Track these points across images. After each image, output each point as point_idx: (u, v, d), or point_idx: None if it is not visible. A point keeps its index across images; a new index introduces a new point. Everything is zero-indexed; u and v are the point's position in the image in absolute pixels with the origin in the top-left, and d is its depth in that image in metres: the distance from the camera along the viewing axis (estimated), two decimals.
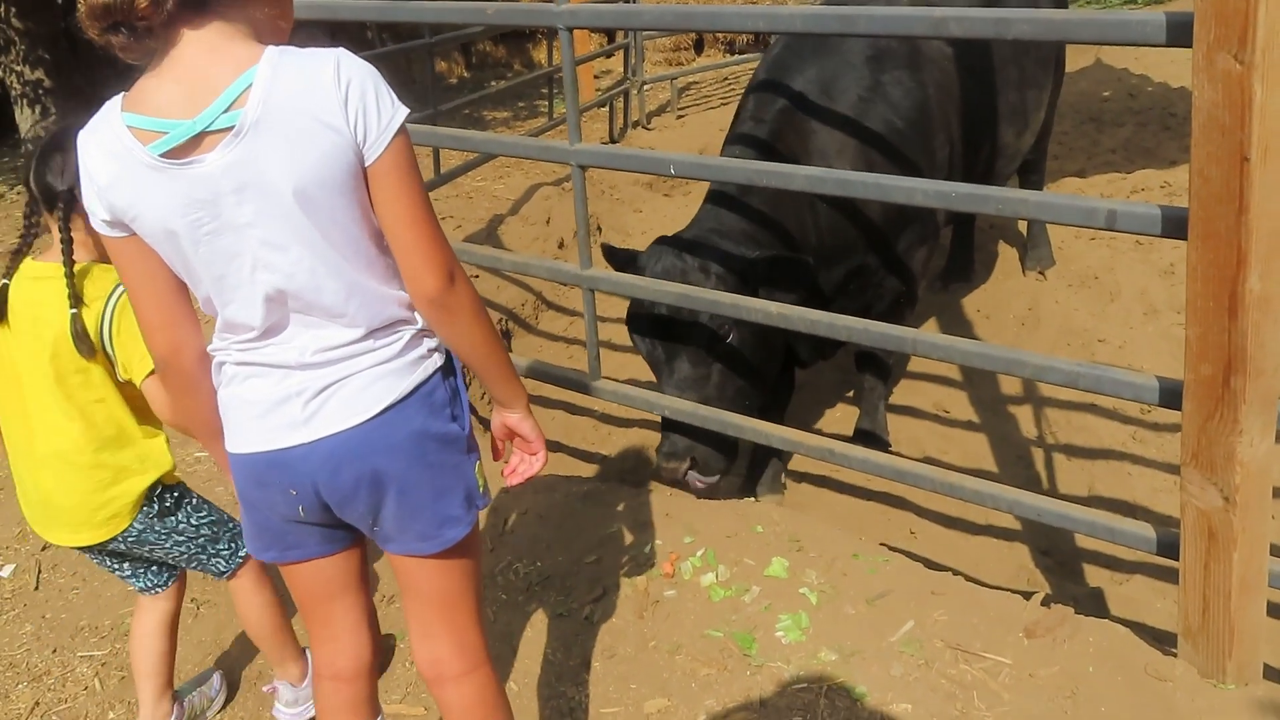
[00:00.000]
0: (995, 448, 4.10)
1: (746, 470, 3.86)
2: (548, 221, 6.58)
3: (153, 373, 1.88)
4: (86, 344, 1.86)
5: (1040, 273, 5.17)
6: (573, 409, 4.67)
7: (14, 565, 2.92)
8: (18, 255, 1.95)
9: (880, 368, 3.94)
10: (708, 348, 3.03)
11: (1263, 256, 1.79)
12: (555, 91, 8.68)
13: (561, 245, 6.43)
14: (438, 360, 1.58)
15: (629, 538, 2.87)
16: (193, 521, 2.13)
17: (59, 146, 1.85)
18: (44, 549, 2.98)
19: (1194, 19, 1.71)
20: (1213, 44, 1.69)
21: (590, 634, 2.53)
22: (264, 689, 2.43)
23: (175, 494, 2.11)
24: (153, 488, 2.04)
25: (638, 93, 8.61)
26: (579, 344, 5.38)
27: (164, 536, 2.08)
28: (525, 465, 1.78)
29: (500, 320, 5.30)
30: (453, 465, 1.59)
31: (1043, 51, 4.17)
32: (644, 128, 8.73)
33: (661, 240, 3.05)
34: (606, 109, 8.43)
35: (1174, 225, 1.96)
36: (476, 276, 5.08)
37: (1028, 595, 3.31)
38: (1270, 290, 1.81)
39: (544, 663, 2.46)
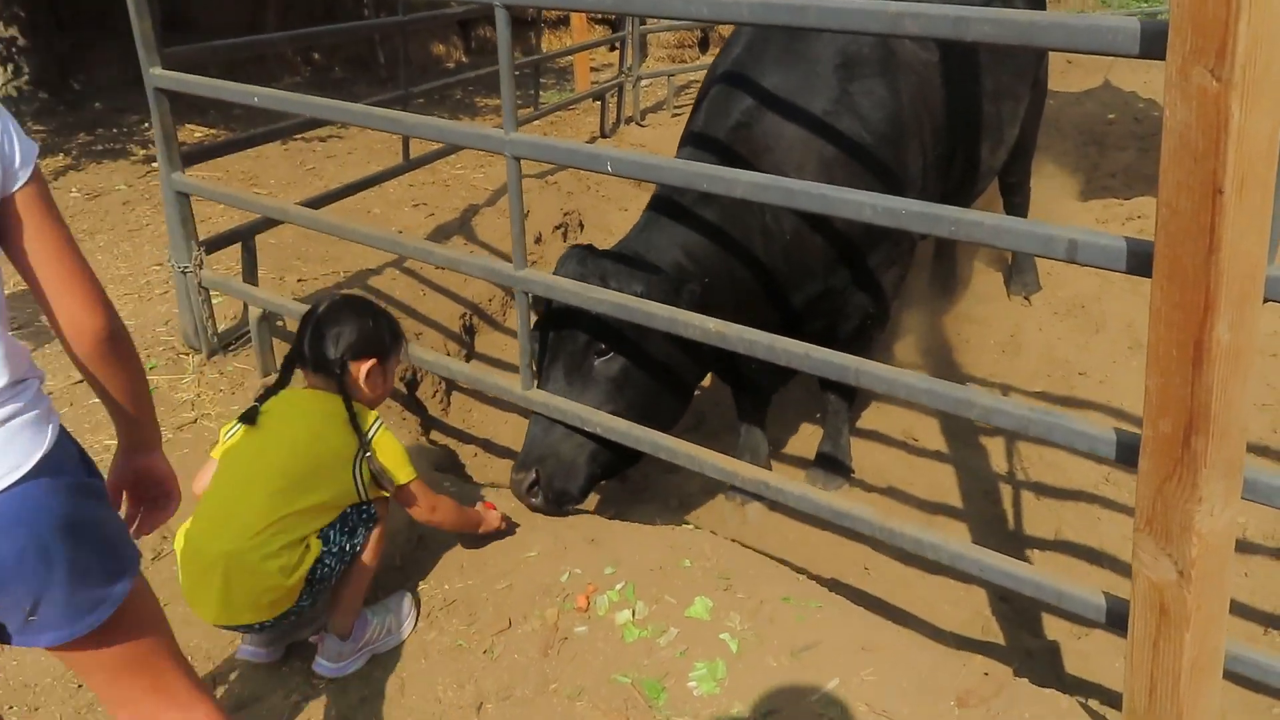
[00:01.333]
0: (963, 481, 3.88)
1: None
2: (526, 215, 6.34)
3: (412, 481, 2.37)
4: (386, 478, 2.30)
5: (1025, 298, 4.95)
6: (507, 407, 4.45)
7: None
8: (270, 391, 2.33)
9: (845, 389, 3.72)
10: (591, 362, 2.88)
11: (1234, 303, 1.57)
12: (544, 81, 8.45)
13: (539, 240, 6.21)
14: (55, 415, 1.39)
15: (547, 563, 2.65)
16: (343, 540, 2.30)
17: (334, 321, 2.31)
18: None
19: (1168, 27, 1.49)
20: (1188, 56, 1.46)
21: (488, 671, 2.31)
22: (310, 638, 2.38)
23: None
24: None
25: (633, 88, 8.38)
26: None
27: (338, 559, 2.29)
28: (160, 509, 1.67)
29: (465, 315, 5.08)
30: (109, 518, 1.43)
31: (1019, 62, 3.92)
32: (637, 124, 8.50)
33: (577, 247, 2.86)
34: (600, 103, 8.19)
35: (1139, 261, 1.74)
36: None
37: (982, 645, 3.14)
38: (1240, 342, 1.59)
39: (432, 701, 2.24)
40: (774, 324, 3.15)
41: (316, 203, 4.59)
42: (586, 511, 3.10)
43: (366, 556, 2.36)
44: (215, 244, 3.82)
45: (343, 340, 2.30)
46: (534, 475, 2.78)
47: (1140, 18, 1.65)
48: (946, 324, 4.96)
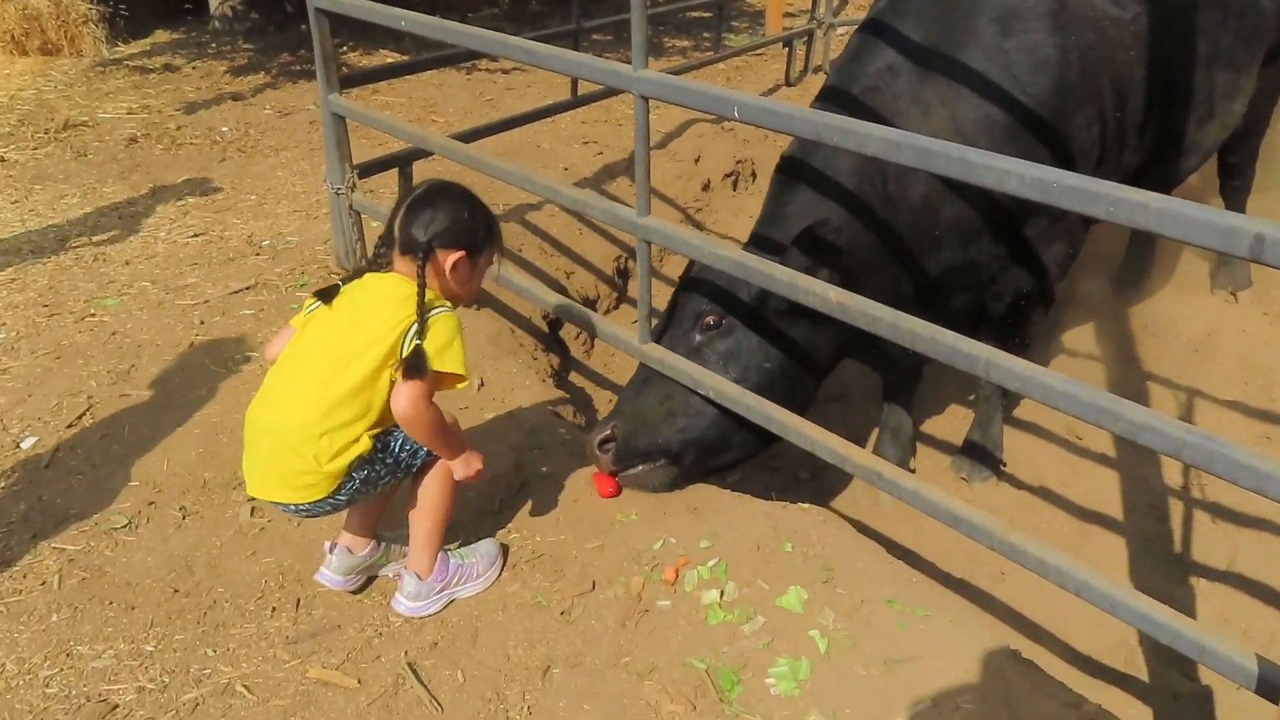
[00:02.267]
0: (1127, 490, 3.48)
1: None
2: (696, 160, 6.18)
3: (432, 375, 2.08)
4: (420, 369, 2.05)
5: (1231, 293, 4.36)
6: None
7: (36, 439, 2.90)
8: (358, 273, 2.22)
9: None
10: (699, 333, 2.69)
11: None
12: (735, 24, 8.16)
13: (706, 187, 6.03)
14: None
15: (643, 528, 2.54)
16: (385, 466, 2.21)
17: (429, 203, 2.16)
18: (69, 426, 2.96)
19: None
20: None
21: (562, 634, 2.23)
22: (390, 574, 2.40)
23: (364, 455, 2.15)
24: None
25: (824, 35, 7.96)
26: None
27: (365, 485, 2.18)
28: None
29: (619, 258, 4.98)
30: None
31: (1247, 25, 3.35)
32: (825, 73, 8.09)
33: None
34: (788, 49, 7.83)
35: None
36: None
37: (1121, 678, 2.80)
38: None
39: (501, 657, 2.18)
40: (906, 297, 2.88)
41: (481, 133, 4.59)
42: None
43: (435, 490, 2.28)
44: (372, 168, 3.87)
45: (434, 225, 2.15)
46: (608, 432, 2.63)
47: None
48: (1134, 314, 4.45)
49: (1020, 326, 3.13)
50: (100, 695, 2.07)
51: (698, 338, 2.68)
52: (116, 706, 2.05)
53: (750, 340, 2.64)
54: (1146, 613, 1.81)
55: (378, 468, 2.17)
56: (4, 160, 5.31)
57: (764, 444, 2.74)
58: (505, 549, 2.48)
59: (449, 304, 2.20)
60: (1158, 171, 3.29)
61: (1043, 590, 3.15)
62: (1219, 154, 4.37)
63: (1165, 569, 3.16)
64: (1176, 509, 3.35)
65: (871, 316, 2.09)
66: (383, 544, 2.41)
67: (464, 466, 2.27)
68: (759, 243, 2.74)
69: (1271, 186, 4.59)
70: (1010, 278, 2.95)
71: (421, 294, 2.11)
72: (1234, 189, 4.43)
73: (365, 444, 2.11)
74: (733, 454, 2.72)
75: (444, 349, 2.11)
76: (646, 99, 2.37)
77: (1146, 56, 2.98)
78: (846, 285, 2.29)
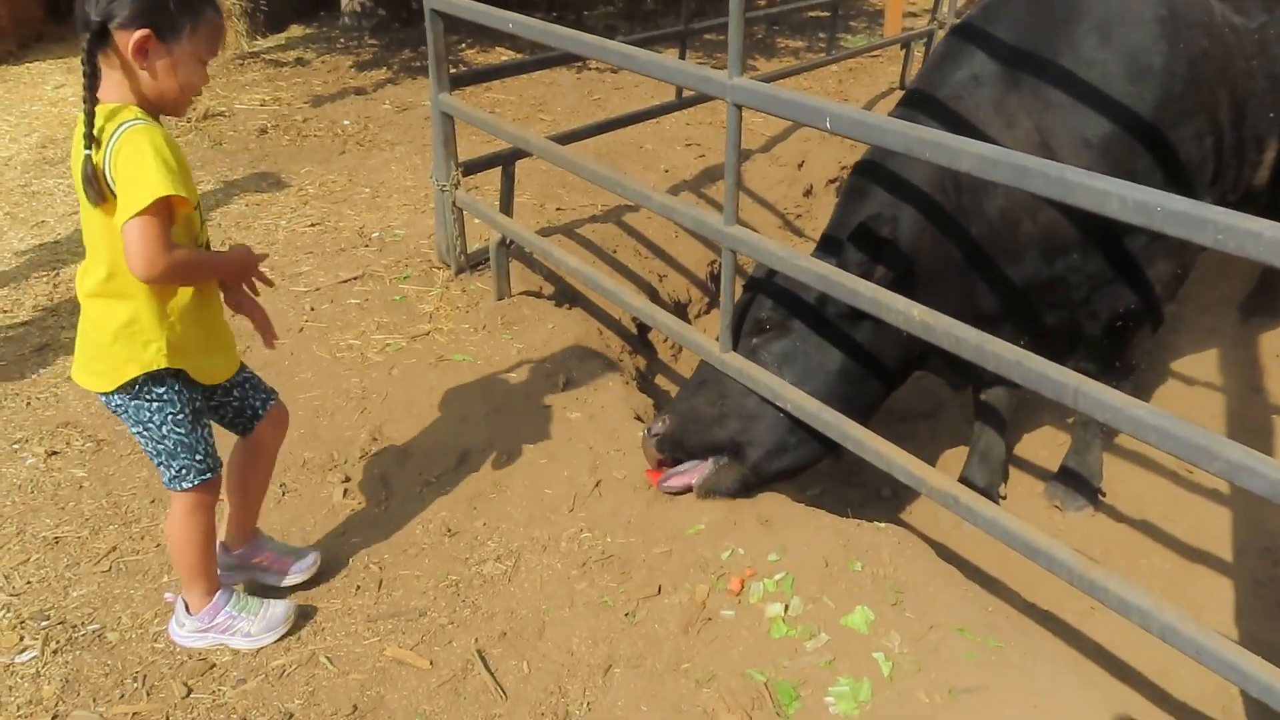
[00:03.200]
0: (1238, 529, 3.29)
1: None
2: (800, 165, 6.12)
3: (143, 214, 1.70)
4: (95, 188, 1.74)
5: None
6: None
7: None
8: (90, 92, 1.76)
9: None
10: (754, 338, 2.66)
11: None
12: (854, 24, 8.02)
13: (808, 193, 5.96)
14: None
15: (712, 536, 2.54)
16: (162, 429, 2.00)
17: None
18: None
19: None
20: None
21: (625, 634, 2.26)
22: (166, 596, 2.38)
23: (160, 389, 1.96)
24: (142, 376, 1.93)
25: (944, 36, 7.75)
26: None
27: (135, 422, 1.99)
28: None
29: (713, 263, 4.98)
30: None
31: None
32: None
33: None
34: (905, 51, 7.66)
35: None
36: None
37: None
38: None
39: (565, 652, 2.22)
40: (986, 311, 2.78)
41: (582, 134, 4.65)
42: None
43: (173, 534, 2.11)
44: (478, 165, 3.96)
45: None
46: (661, 423, 2.65)
47: None
48: (1263, 343, 4.19)
49: (1121, 350, 2.99)
50: (199, 654, 2.22)
51: (756, 340, 2.66)
52: (214, 666, 2.19)
53: (801, 349, 2.61)
54: (1236, 662, 1.71)
55: (149, 416, 1.97)
56: None
57: (827, 450, 2.70)
58: (303, 612, 2.35)
59: (144, 115, 1.79)
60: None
61: (1135, 628, 3.02)
62: None
63: (1275, 617, 2.98)
64: None
65: (956, 337, 2.03)
66: (265, 546, 2.40)
67: (239, 271, 2.04)
68: (824, 245, 2.71)
69: None
70: (1106, 296, 2.82)
71: (90, 91, 1.72)
72: None
73: (125, 314, 1.86)
74: (792, 457, 2.68)
75: (136, 177, 1.70)
76: (739, 107, 2.36)
77: (1270, 67, 2.81)
78: (909, 292, 2.24)
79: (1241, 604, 3.04)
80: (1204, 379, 4.08)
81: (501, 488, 2.79)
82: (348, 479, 2.84)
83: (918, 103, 2.75)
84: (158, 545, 2.56)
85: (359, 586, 2.45)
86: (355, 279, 3.98)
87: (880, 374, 2.70)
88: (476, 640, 2.26)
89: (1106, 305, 2.84)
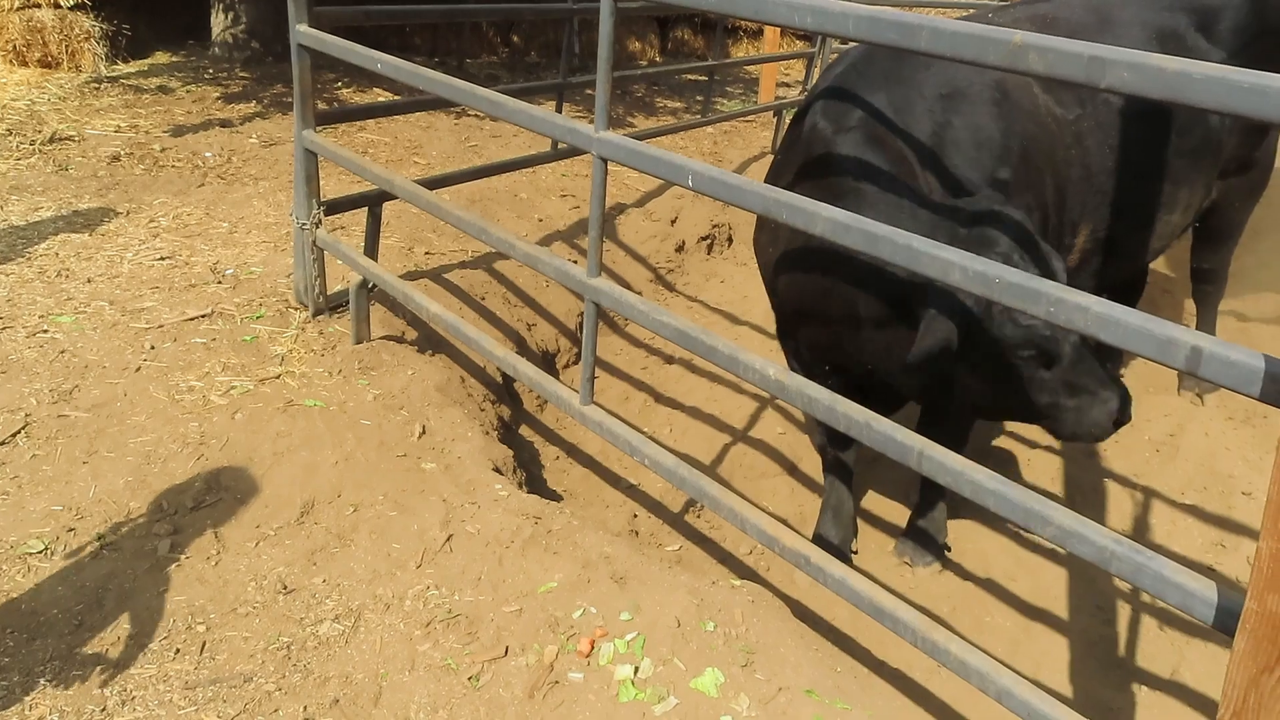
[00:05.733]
0: (1074, 588, 3.43)
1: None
2: (673, 221, 6.20)
3: None
4: None
5: (1198, 395, 4.36)
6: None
7: None
8: None
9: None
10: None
11: None
12: (730, 90, 8.25)
13: (680, 249, 6.04)
14: None
15: (565, 594, 2.46)
16: None
17: None
18: (2, 443, 2.88)
19: None
20: None
21: (466, 700, 2.15)
22: None
23: None
24: None
25: None
26: (652, 352, 4.98)
27: None
28: None
29: (580, 313, 4.95)
30: None
31: (1190, 140, 3.35)
32: None
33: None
34: (777, 118, 7.92)
35: (1278, 388, 1.38)
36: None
37: None
38: None
39: (402, 718, 2.10)
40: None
41: (455, 179, 4.58)
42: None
43: None
44: (342, 205, 3.84)
45: None
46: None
47: None
48: None
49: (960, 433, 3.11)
50: None
51: None
52: None
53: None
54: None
55: None
56: None
57: None
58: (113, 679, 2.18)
59: None
60: (1096, 273, 3.29)
61: (1022, 627, 3.09)
62: (1191, 259, 4.40)
63: (1106, 674, 3.10)
64: (1123, 612, 3.29)
65: (808, 397, 2.05)
66: None
67: None
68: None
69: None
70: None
71: None
72: (1205, 294, 4.46)
73: None
74: None
75: None
76: (605, 160, 2.36)
77: (1084, 158, 3.00)
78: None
79: (1076, 662, 3.15)
80: (1043, 442, 4.27)
81: (345, 542, 2.65)
82: (176, 530, 2.65)
83: (855, 143, 2.74)
84: None
85: (179, 650, 2.26)
86: (203, 317, 3.78)
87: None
88: (305, 709, 2.12)
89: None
